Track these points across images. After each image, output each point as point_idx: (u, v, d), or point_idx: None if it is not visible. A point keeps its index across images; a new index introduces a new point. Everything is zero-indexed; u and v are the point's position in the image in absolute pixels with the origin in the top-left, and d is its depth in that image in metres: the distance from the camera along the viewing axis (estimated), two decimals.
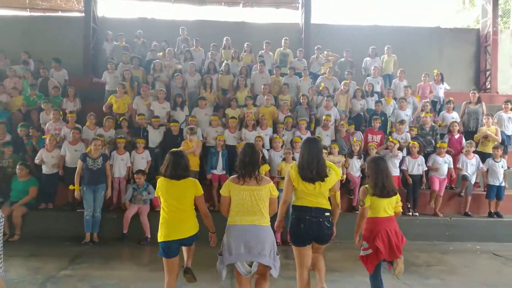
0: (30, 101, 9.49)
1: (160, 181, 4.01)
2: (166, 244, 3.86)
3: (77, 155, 7.42)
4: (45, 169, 7.73)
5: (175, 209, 3.90)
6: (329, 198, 4.05)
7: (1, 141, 8.11)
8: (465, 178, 8.08)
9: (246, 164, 3.76)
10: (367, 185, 4.21)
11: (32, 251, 6.45)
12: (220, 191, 3.89)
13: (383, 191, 4.04)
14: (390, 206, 4.13)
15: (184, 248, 4.15)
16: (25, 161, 7.78)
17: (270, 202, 3.82)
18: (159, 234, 3.93)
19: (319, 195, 3.92)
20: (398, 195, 4.23)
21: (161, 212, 3.98)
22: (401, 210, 4.37)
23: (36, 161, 7.73)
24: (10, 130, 8.70)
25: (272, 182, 3.89)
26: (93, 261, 6.07)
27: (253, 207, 3.68)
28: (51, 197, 7.87)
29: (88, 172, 7.02)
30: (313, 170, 3.86)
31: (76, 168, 7.24)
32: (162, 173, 4.00)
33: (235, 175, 3.88)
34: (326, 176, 3.89)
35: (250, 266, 3.65)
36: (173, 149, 4.17)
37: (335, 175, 4.00)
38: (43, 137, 8.11)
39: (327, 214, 3.93)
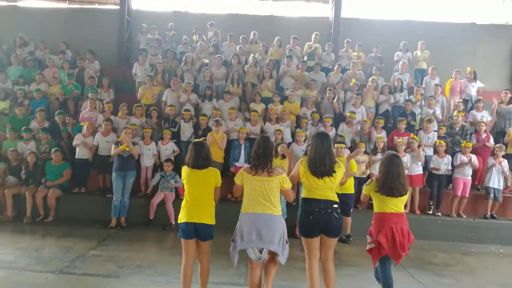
0: (67, 90, 10.00)
1: (184, 169, 4.25)
2: (185, 225, 4.10)
3: (109, 145, 7.88)
4: (78, 154, 8.16)
5: (195, 196, 4.13)
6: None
7: (40, 127, 8.63)
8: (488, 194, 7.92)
9: (259, 155, 3.93)
10: (375, 178, 4.26)
11: (64, 232, 6.90)
12: (234, 178, 4.09)
13: (389, 191, 4.07)
14: (399, 203, 4.15)
15: (198, 252, 4.20)
16: (60, 147, 8.25)
17: (283, 193, 3.99)
18: (179, 216, 4.20)
19: (327, 189, 4.04)
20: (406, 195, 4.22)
21: (184, 197, 4.24)
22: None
23: (74, 143, 8.15)
24: (48, 118, 9.21)
25: (284, 174, 4.03)
26: (120, 244, 6.44)
27: (264, 196, 3.86)
28: (83, 182, 8.32)
29: (118, 159, 7.39)
30: (324, 165, 3.98)
31: (107, 156, 7.83)
32: (186, 162, 4.23)
33: (248, 165, 4.07)
34: (334, 171, 4.01)
35: (261, 252, 3.84)
36: (195, 140, 4.39)
37: (342, 170, 4.12)
38: (81, 124, 8.53)
39: (335, 206, 4.05)
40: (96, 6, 15.19)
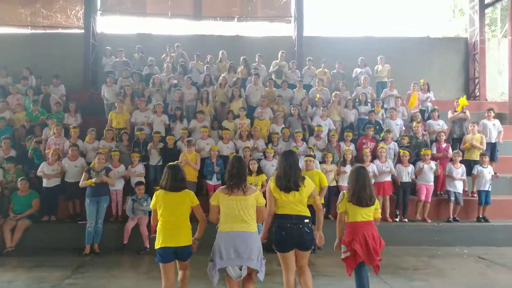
0: (33, 116, 9.84)
1: (158, 194, 4.29)
2: (163, 250, 4.16)
3: (77, 170, 7.87)
4: (45, 182, 8.00)
5: (171, 219, 4.19)
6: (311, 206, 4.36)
7: (6, 156, 8.42)
8: (449, 198, 8.36)
9: (233, 175, 4.08)
10: (345, 191, 4.52)
11: (36, 262, 6.72)
12: (210, 200, 4.21)
13: (359, 201, 4.34)
14: (369, 212, 4.40)
15: (179, 271, 4.33)
16: (27, 176, 8.07)
17: (257, 210, 4.13)
18: (156, 242, 4.24)
19: (298, 203, 4.23)
20: (377, 202, 4.50)
21: (159, 223, 4.27)
22: (380, 216, 4.66)
23: (38, 173, 8.00)
24: (14, 146, 9.01)
25: (258, 191, 4.20)
26: (95, 270, 6.35)
27: (241, 215, 3.99)
28: (53, 210, 8.14)
29: (92, 185, 7.29)
30: (289, 180, 4.18)
31: (76, 182, 7.71)
32: (162, 185, 4.28)
33: (223, 186, 4.20)
34: (300, 186, 4.21)
35: (240, 270, 3.94)
36: (170, 163, 4.47)
37: (310, 184, 4.34)
38: (46, 151, 8.40)
39: (306, 220, 4.24)
40: (60, 30, 15.04)
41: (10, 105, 10.22)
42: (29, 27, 14.98)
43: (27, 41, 14.07)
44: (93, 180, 7.24)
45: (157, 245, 4.20)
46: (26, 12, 14.92)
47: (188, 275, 4.46)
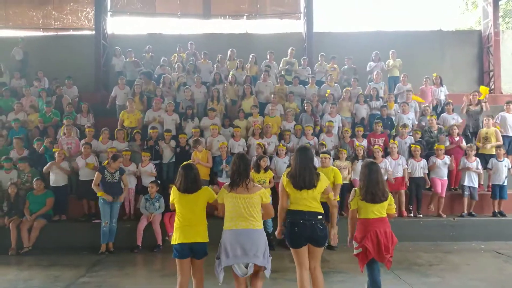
0: (46, 118, 9.97)
1: (174, 191, 4.29)
2: (179, 246, 4.16)
3: (89, 170, 7.96)
4: (52, 182, 8.12)
5: (187, 217, 4.20)
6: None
7: (20, 156, 8.56)
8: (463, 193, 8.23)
9: (237, 173, 4.06)
10: (357, 188, 4.45)
11: (51, 261, 6.82)
12: (216, 196, 4.20)
13: (371, 197, 4.26)
14: (381, 209, 4.33)
15: (192, 269, 4.27)
16: (42, 176, 8.18)
17: (264, 208, 4.11)
18: (173, 237, 4.26)
19: (311, 200, 4.19)
20: (390, 197, 4.43)
21: (176, 218, 4.29)
22: (394, 212, 4.57)
23: (44, 169, 8.10)
24: (28, 146, 9.14)
25: (263, 189, 4.17)
26: (109, 269, 6.40)
27: (246, 213, 3.97)
28: (62, 209, 8.22)
29: (105, 185, 7.37)
30: (304, 179, 4.15)
31: (88, 180, 7.77)
32: (177, 187, 4.28)
33: (227, 183, 4.17)
34: (314, 185, 4.17)
35: (246, 267, 3.93)
36: (184, 163, 4.44)
37: (325, 180, 4.28)
38: (53, 150, 8.50)
39: (320, 217, 4.20)
40: (71, 32, 15.23)
41: (24, 107, 10.38)
42: (41, 29, 15.21)
43: (39, 43, 14.25)
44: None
45: (174, 241, 4.22)
46: (38, 15, 15.17)
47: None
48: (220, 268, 3.97)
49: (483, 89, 9.64)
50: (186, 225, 4.18)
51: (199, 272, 4.28)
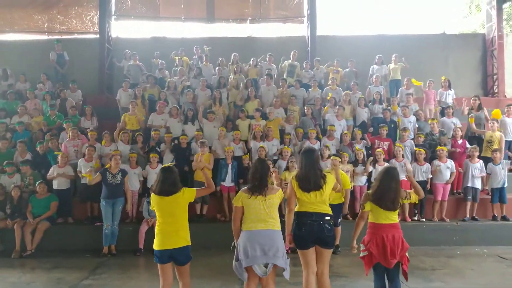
0: (50, 121, 10.02)
1: (153, 197, 4.25)
2: (159, 252, 4.14)
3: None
4: (55, 185, 8.14)
5: (167, 222, 4.15)
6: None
7: (22, 159, 8.60)
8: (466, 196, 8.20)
9: (257, 179, 4.13)
10: (370, 191, 4.39)
11: (54, 264, 6.84)
12: (233, 201, 4.26)
13: (379, 201, 4.19)
14: (391, 215, 4.23)
15: (177, 274, 4.25)
16: (44, 179, 8.21)
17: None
18: (154, 243, 4.21)
19: (319, 202, 4.22)
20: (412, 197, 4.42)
21: (156, 223, 4.24)
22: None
23: (48, 177, 8.14)
24: (32, 149, 9.18)
25: (280, 190, 4.25)
26: (112, 272, 6.42)
27: (265, 214, 4.04)
28: (66, 212, 8.25)
29: (107, 187, 7.39)
30: (310, 181, 4.17)
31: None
32: (153, 189, 4.25)
33: (246, 187, 4.22)
34: (321, 187, 4.18)
35: (265, 267, 3.96)
36: (164, 165, 4.45)
37: (332, 180, 4.31)
38: (55, 153, 8.53)
39: (327, 218, 4.22)
40: (75, 36, 15.31)
41: (28, 110, 10.45)
42: (46, 33, 15.28)
43: (44, 46, 14.31)
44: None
45: (154, 247, 4.19)
46: (43, 19, 15.24)
47: None
48: (242, 269, 4.00)
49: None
50: (165, 231, 4.13)
51: (185, 277, 4.24)
